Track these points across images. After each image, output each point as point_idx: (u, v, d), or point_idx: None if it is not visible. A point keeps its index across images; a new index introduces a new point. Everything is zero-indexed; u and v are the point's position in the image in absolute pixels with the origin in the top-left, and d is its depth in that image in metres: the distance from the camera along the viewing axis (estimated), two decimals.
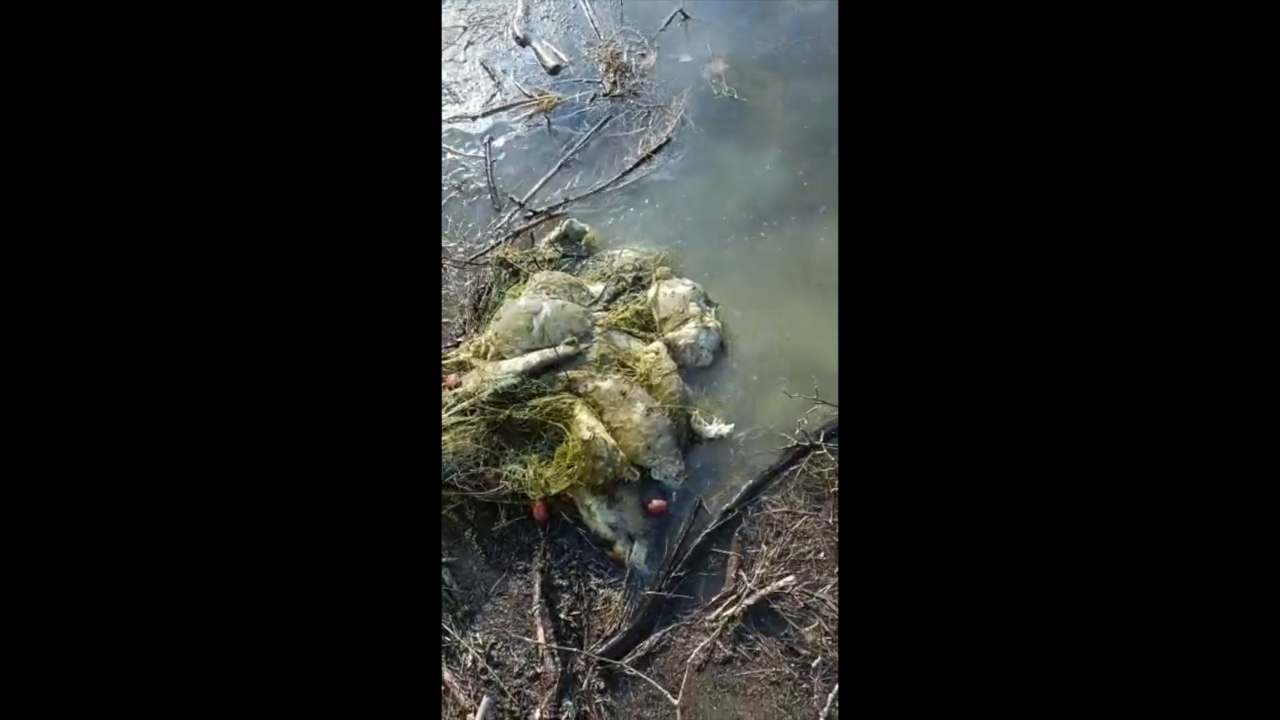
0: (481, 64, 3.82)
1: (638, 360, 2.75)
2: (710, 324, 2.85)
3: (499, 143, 3.55)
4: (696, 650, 2.29)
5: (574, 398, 2.61)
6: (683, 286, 2.94)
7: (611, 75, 3.71)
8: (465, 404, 2.59)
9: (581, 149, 3.50)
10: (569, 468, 2.48)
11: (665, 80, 3.73)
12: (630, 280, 3.01)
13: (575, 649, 2.29)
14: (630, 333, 2.87)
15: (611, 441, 2.49)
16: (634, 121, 3.59)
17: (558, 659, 2.27)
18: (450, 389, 2.67)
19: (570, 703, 2.21)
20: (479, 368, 2.71)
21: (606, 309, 2.93)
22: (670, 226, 3.25)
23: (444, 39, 3.99)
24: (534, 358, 2.67)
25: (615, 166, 3.43)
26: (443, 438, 2.53)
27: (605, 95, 3.67)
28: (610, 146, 3.51)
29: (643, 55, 3.85)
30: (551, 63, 3.82)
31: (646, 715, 2.21)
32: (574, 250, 3.15)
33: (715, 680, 2.26)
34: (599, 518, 2.47)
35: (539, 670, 2.26)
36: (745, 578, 2.40)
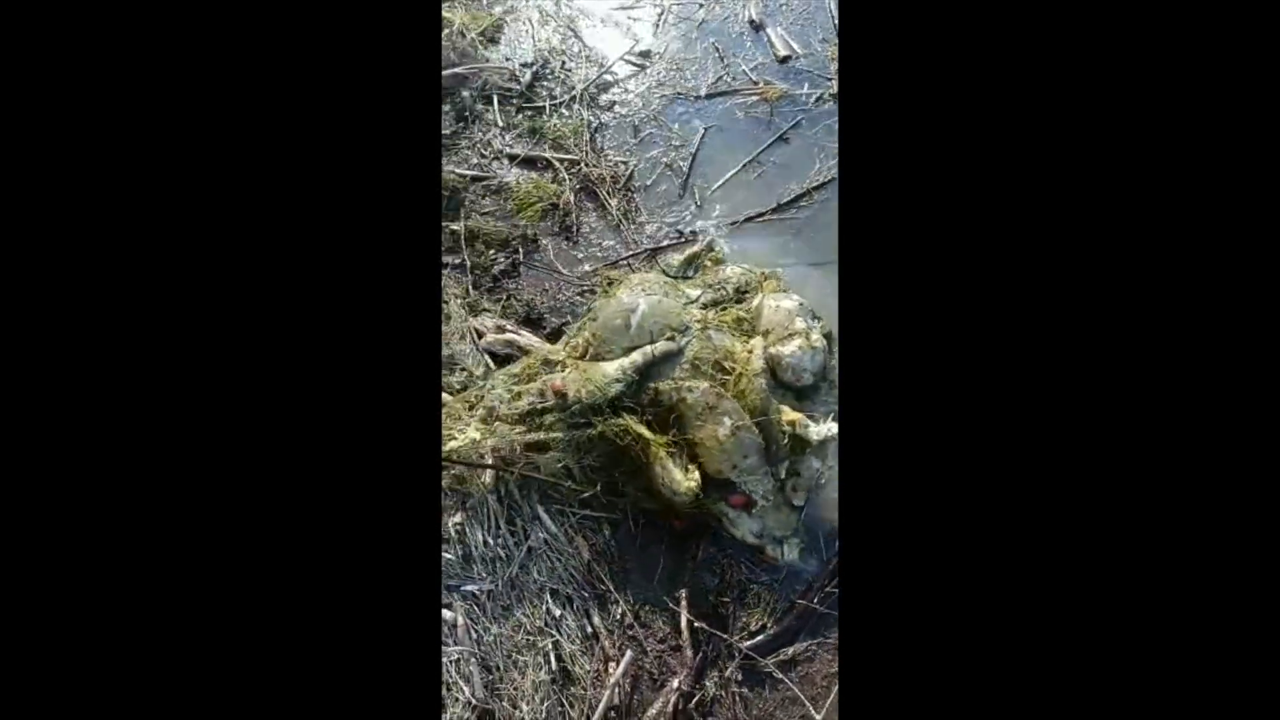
0: (714, 45, 3.85)
1: (735, 360, 2.59)
2: (816, 343, 2.68)
3: (715, 125, 3.58)
4: None
5: (649, 435, 2.47)
6: (789, 301, 2.78)
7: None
8: (575, 408, 2.51)
9: (777, 154, 3.47)
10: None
11: None
12: (731, 291, 2.86)
13: (721, 634, 2.38)
14: (731, 332, 2.72)
15: (690, 484, 2.39)
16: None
17: (700, 639, 2.36)
18: (556, 392, 2.54)
19: (708, 684, 2.31)
20: (579, 368, 2.60)
21: (704, 308, 2.80)
22: (812, 258, 3.13)
23: (678, 14, 4.04)
24: (637, 358, 2.58)
25: (809, 180, 3.37)
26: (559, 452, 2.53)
27: (832, 96, 3.60)
28: (811, 156, 3.45)
29: None
30: (783, 52, 3.79)
31: (779, 716, 2.27)
32: (686, 272, 3.07)
33: None
34: (741, 528, 2.48)
35: (680, 643, 2.37)
36: None
